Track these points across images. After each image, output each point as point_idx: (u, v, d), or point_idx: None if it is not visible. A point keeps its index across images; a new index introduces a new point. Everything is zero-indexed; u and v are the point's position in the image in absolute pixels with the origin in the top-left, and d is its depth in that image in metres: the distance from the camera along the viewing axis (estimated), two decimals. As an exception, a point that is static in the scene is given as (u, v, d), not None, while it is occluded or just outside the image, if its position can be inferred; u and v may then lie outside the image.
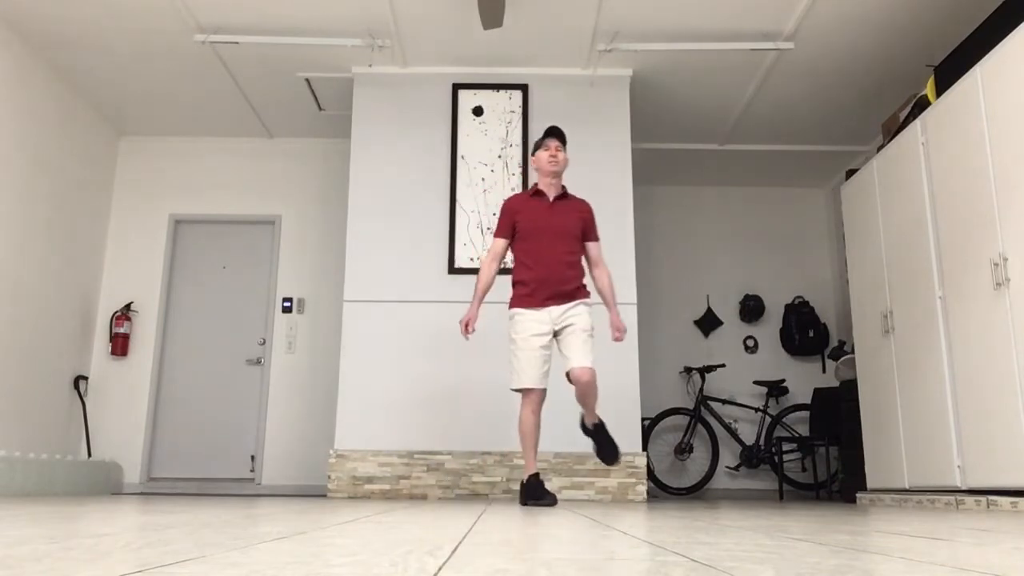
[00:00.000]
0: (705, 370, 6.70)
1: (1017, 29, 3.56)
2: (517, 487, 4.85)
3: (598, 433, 3.87)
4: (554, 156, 3.87)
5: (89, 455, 5.92)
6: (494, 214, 5.27)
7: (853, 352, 5.55)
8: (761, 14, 4.85)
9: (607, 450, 3.86)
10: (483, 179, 5.34)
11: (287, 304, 6.26)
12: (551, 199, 3.89)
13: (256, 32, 5.09)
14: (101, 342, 6.17)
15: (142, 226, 6.38)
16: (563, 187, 3.95)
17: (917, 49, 5.20)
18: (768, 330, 7.09)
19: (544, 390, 3.74)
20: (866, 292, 5.04)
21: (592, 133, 5.43)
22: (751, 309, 7.03)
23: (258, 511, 2.72)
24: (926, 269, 4.31)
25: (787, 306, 7.07)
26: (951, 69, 4.24)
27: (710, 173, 7.14)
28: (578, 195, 3.97)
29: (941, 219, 4.16)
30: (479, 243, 5.23)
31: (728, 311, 7.13)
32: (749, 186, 7.38)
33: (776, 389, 6.75)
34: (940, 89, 4.33)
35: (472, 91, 5.49)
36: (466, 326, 3.79)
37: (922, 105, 4.55)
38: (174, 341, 6.24)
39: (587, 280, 3.95)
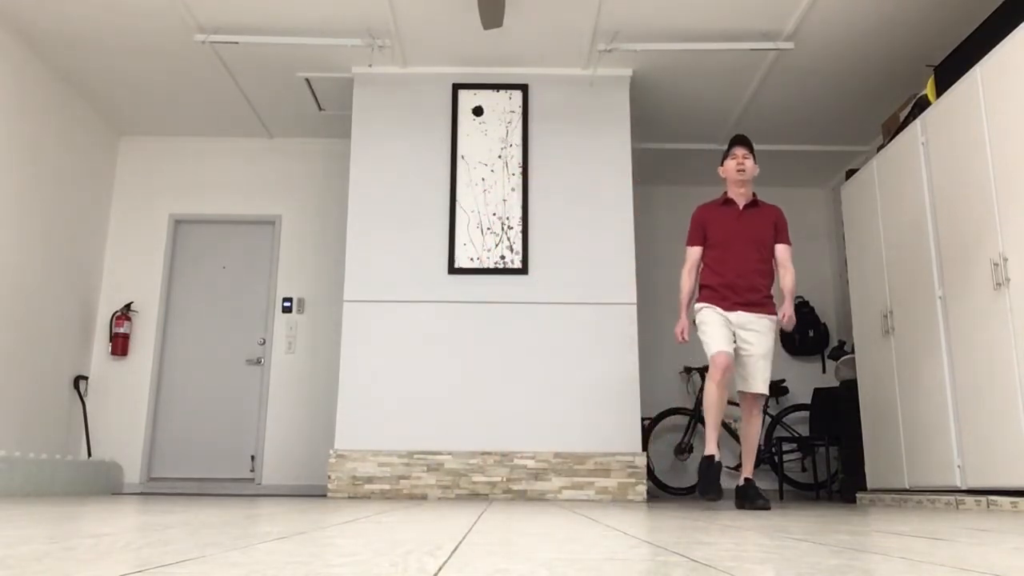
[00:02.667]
0: (705, 370, 6.70)
1: (1017, 29, 3.55)
2: (517, 487, 4.85)
3: (748, 489, 3.67)
4: (741, 164, 3.91)
5: (89, 455, 5.92)
6: (494, 214, 5.27)
7: (853, 352, 5.55)
8: (761, 14, 4.85)
9: (754, 502, 3.62)
10: (483, 179, 5.33)
11: (287, 304, 6.25)
12: (741, 207, 3.94)
13: (256, 32, 5.09)
14: (101, 342, 6.16)
15: (142, 226, 6.38)
16: (753, 194, 3.98)
17: (917, 49, 5.20)
18: (768, 330, 7.07)
19: (732, 364, 3.71)
20: (866, 292, 5.04)
21: (592, 133, 5.43)
22: (751, 309, 7.03)
23: (258, 511, 2.72)
24: (926, 269, 4.30)
25: (787, 306, 7.06)
26: (951, 69, 4.23)
27: (710, 173, 7.12)
28: (767, 202, 4.07)
29: (941, 219, 4.16)
30: (479, 243, 5.23)
31: (728, 311, 7.11)
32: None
33: (776, 389, 6.75)
34: (940, 89, 4.33)
35: (472, 91, 5.49)
36: (681, 333, 3.97)
37: (922, 105, 4.54)
38: (174, 341, 6.24)
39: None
